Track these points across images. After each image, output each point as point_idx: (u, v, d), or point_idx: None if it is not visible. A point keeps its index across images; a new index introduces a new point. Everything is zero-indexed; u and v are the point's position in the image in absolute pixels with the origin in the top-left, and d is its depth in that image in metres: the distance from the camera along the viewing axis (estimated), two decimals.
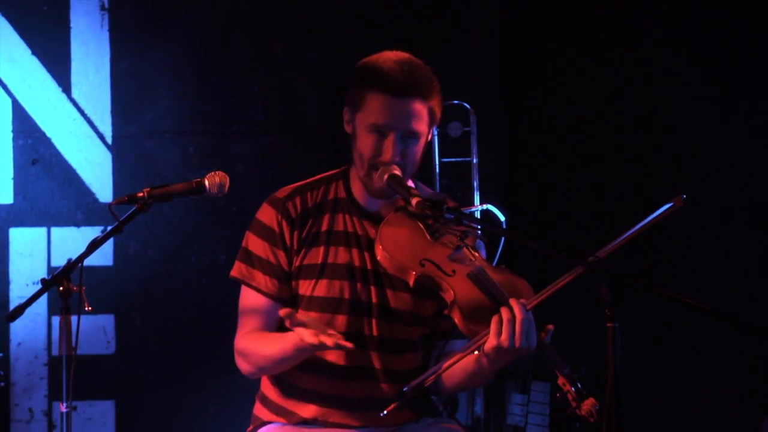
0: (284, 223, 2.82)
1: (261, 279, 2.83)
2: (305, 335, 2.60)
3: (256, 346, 2.82)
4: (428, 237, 2.76)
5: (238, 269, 2.87)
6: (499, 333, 2.56)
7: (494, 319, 2.58)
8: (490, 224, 2.80)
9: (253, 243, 2.85)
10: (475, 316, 2.65)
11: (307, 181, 2.91)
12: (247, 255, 2.85)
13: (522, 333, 2.56)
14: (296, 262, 2.82)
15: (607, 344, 2.32)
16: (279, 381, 2.89)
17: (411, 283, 2.72)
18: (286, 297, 2.84)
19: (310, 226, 2.83)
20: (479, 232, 2.81)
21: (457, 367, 2.69)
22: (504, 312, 2.57)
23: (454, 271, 2.71)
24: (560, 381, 2.59)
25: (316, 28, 4.71)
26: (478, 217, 2.87)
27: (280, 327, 2.85)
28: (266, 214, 2.85)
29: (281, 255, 2.82)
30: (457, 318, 2.66)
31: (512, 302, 2.59)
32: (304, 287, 2.82)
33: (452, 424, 2.92)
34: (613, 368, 2.29)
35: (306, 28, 4.72)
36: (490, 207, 3.13)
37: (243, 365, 2.87)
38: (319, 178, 2.92)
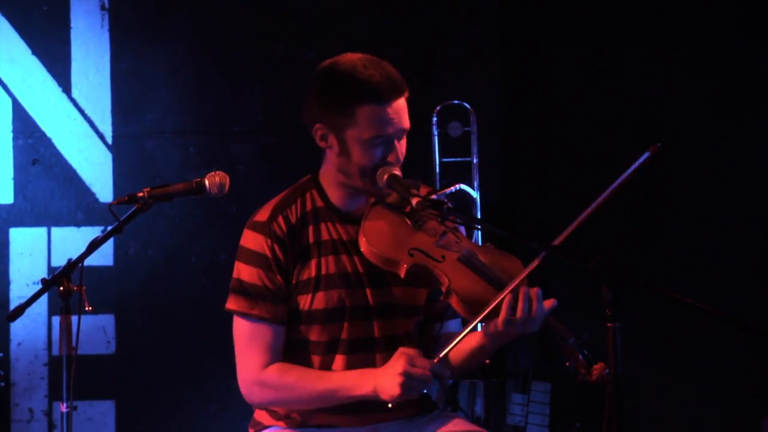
0: (276, 247, 2.76)
1: (262, 308, 2.76)
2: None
3: (299, 379, 2.75)
4: (411, 226, 2.75)
5: (234, 302, 2.78)
6: (513, 308, 2.61)
7: (507, 298, 2.61)
8: (491, 225, 2.79)
9: (246, 272, 2.77)
10: (471, 297, 2.65)
11: (281, 196, 2.85)
12: (241, 286, 2.77)
13: (539, 307, 2.62)
14: (293, 280, 2.78)
15: (607, 344, 2.33)
16: None
17: (402, 274, 2.70)
18: (285, 318, 2.79)
19: (298, 241, 2.79)
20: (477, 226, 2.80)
21: (460, 347, 2.70)
22: (520, 290, 2.61)
23: (443, 257, 2.71)
24: (567, 351, 2.60)
25: (316, 28, 4.72)
26: (452, 194, 2.85)
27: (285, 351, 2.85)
28: (253, 241, 2.78)
29: (278, 279, 2.76)
30: (454, 302, 2.66)
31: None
32: (302, 302, 2.78)
33: (453, 417, 2.90)
34: (613, 368, 2.29)
35: (306, 28, 4.72)
36: (463, 186, 3.13)
37: (264, 395, 2.78)
38: (291, 191, 2.85)
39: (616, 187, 2.60)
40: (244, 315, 2.77)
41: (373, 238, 2.72)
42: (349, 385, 2.72)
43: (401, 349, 2.65)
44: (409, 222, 2.75)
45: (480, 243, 2.92)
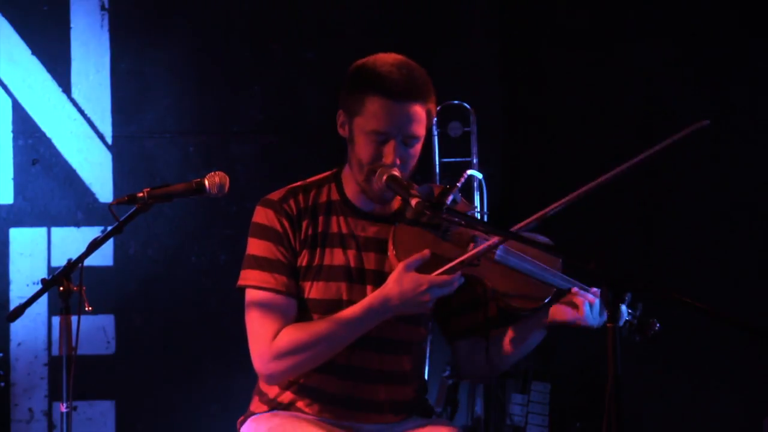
0: (285, 222, 2.79)
1: (275, 279, 2.76)
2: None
3: (310, 328, 2.73)
4: (438, 238, 2.75)
5: (246, 277, 2.79)
6: (589, 314, 2.70)
7: (579, 303, 2.69)
8: (492, 227, 2.79)
9: (257, 247, 2.79)
10: (517, 293, 2.70)
11: (297, 183, 2.88)
12: (254, 260, 2.79)
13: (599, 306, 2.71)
14: (297, 263, 2.81)
15: (606, 344, 2.33)
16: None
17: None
18: (296, 293, 2.79)
19: (305, 227, 2.81)
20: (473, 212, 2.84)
21: (520, 333, 2.81)
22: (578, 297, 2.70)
23: (478, 260, 2.73)
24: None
25: (316, 28, 4.72)
26: (464, 183, 2.87)
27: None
28: (264, 216, 2.81)
29: (288, 253, 2.78)
30: (502, 302, 2.73)
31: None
32: (302, 289, 2.80)
33: (443, 424, 2.90)
34: (613, 368, 2.29)
35: (306, 28, 4.72)
36: (470, 172, 3.16)
37: (284, 365, 2.74)
38: (310, 182, 2.88)
39: (660, 150, 2.58)
40: (256, 287, 2.77)
41: (406, 257, 2.71)
42: (365, 312, 2.70)
43: (409, 274, 2.67)
44: (434, 234, 2.75)
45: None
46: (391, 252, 2.74)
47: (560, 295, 2.71)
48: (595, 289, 2.70)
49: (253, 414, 2.90)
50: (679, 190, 4.70)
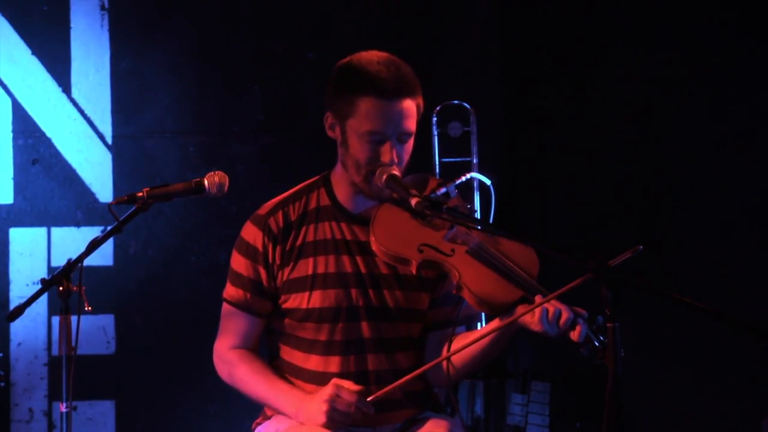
0: (267, 240, 2.83)
1: (241, 296, 2.87)
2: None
3: (247, 375, 2.90)
4: (419, 221, 2.76)
5: (226, 289, 2.92)
6: (545, 320, 2.61)
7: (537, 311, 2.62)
8: (490, 225, 2.79)
9: (237, 261, 2.88)
10: (483, 289, 2.67)
11: (288, 193, 2.89)
12: (232, 273, 2.89)
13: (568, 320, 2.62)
14: (284, 277, 2.82)
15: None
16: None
17: (414, 270, 2.72)
18: (263, 312, 2.88)
19: (293, 238, 2.82)
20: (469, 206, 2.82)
21: (475, 347, 2.74)
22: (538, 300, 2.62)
23: (453, 251, 2.73)
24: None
25: (316, 28, 4.72)
26: (464, 183, 2.86)
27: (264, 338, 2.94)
28: (249, 233, 2.86)
29: (262, 272, 2.83)
30: (466, 295, 2.69)
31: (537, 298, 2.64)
32: (298, 300, 2.81)
33: (447, 420, 2.90)
34: (613, 368, 2.29)
35: (306, 28, 4.72)
36: (475, 175, 3.15)
37: (222, 372, 3.00)
38: (299, 189, 2.90)
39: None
40: (225, 299, 2.92)
41: (383, 238, 2.74)
42: (281, 403, 2.81)
43: (334, 380, 2.72)
44: (416, 218, 2.76)
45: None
46: (370, 228, 2.76)
47: (525, 301, 2.68)
48: (559, 303, 2.63)
49: (268, 417, 2.91)
50: (679, 190, 4.71)
